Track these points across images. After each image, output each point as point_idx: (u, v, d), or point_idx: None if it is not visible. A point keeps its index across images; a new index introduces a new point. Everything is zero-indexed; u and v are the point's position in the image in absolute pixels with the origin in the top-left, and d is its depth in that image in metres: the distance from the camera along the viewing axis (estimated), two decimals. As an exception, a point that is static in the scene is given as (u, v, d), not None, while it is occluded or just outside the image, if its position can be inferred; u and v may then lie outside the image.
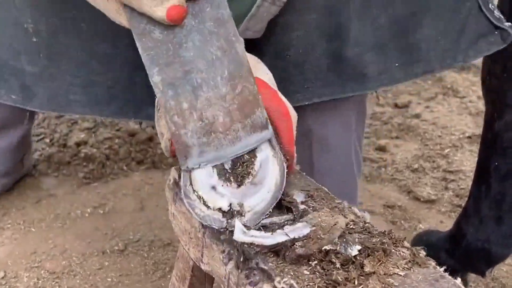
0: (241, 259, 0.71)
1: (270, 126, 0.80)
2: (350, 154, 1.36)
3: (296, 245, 0.69)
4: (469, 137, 2.29)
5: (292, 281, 0.63)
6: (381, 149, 2.21)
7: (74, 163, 2.05)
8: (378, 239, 0.69)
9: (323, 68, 1.15)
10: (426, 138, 2.29)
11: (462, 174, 2.07)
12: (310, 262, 0.68)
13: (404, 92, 2.63)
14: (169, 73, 0.76)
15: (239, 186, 0.76)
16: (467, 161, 2.14)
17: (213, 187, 0.76)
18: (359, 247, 0.67)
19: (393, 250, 0.68)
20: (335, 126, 1.31)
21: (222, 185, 0.76)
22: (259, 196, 0.77)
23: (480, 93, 2.57)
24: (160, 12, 0.72)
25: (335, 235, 0.69)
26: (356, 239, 0.69)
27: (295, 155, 0.83)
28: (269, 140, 0.80)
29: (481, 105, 2.51)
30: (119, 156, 2.07)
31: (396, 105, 2.53)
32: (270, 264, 0.68)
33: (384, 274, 0.64)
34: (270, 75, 0.91)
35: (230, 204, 0.75)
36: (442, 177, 2.05)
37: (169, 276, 1.56)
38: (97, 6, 0.81)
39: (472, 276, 1.55)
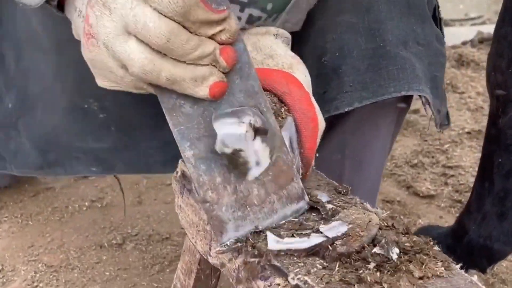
0: (252, 254, 0.70)
1: (306, 197, 0.79)
2: (381, 170, 1.30)
3: (337, 244, 0.68)
4: (469, 132, 2.29)
5: (306, 278, 0.62)
6: (380, 144, 2.20)
7: (72, 156, 2.03)
8: (408, 238, 0.69)
9: (361, 70, 1.06)
10: (425, 133, 2.29)
11: (462, 169, 2.06)
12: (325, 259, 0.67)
13: (403, 88, 2.62)
14: (201, 148, 0.74)
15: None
16: (466, 156, 2.14)
17: None
18: (397, 250, 0.67)
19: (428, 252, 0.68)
20: (373, 142, 1.24)
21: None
22: None
23: (480, 89, 2.60)
24: (202, 92, 0.71)
25: (373, 231, 0.69)
26: (393, 240, 0.68)
27: (313, 163, 0.82)
28: (291, 142, 0.79)
29: (480, 101, 2.51)
30: (117, 150, 2.06)
31: (395, 101, 2.52)
32: (284, 261, 0.67)
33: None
34: (308, 77, 0.88)
35: None
36: (442, 173, 2.05)
37: (167, 270, 1.55)
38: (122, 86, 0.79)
39: (471, 272, 1.55)
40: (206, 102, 0.73)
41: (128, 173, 1.26)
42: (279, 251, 0.69)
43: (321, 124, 0.84)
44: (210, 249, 0.78)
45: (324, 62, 1.07)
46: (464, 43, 3.08)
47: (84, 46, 0.76)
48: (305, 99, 0.81)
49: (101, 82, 0.80)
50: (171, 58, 0.69)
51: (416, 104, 2.48)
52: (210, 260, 0.79)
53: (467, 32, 3.22)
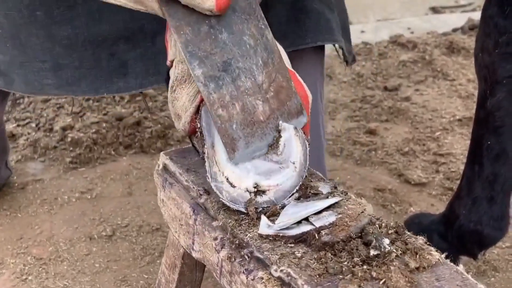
0: (234, 247, 0.69)
1: (305, 111, 0.82)
2: (317, 113, 1.34)
3: (322, 233, 0.69)
4: (459, 120, 2.28)
5: (289, 270, 0.61)
6: (371, 132, 2.20)
7: (61, 147, 2.02)
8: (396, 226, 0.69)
9: (282, 21, 1.19)
10: (416, 121, 2.28)
11: (453, 157, 2.06)
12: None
13: (394, 75, 2.61)
14: (209, 65, 0.77)
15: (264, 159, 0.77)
16: (457, 144, 2.13)
17: (237, 165, 0.76)
18: (387, 241, 0.66)
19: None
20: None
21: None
22: (284, 174, 0.77)
23: (470, 76, 2.59)
24: (209, 3, 0.74)
25: (363, 222, 0.69)
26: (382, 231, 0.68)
27: (309, 137, 0.84)
28: None
29: (471, 88, 2.50)
30: (106, 141, 2.05)
31: (385, 88, 2.51)
32: (266, 252, 0.66)
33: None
34: (286, 55, 0.90)
35: (256, 185, 0.75)
36: (433, 160, 2.04)
37: (158, 261, 1.54)
38: None
39: (463, 259, 1.54)
40: (212, 20, 0.76)
41: (24, 92, 1.31)
42: (268, 236, 0.70)
43: (310, 98, 0.86)
44: (193, 243, 0.78)
45: None
46: (454, 30, 3.07)
47: None
48: (293, 79, 0.83)
49: None
50: None
51: (407, 91, 2.48)
52: (194, 254, 0.79)
53: (458, 19, 3.20)
